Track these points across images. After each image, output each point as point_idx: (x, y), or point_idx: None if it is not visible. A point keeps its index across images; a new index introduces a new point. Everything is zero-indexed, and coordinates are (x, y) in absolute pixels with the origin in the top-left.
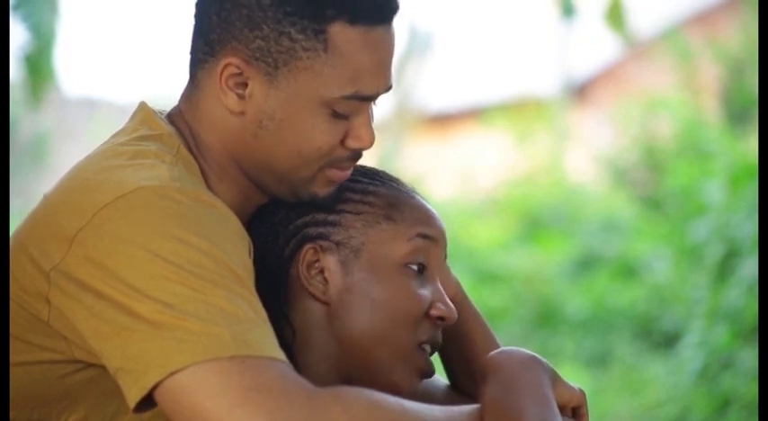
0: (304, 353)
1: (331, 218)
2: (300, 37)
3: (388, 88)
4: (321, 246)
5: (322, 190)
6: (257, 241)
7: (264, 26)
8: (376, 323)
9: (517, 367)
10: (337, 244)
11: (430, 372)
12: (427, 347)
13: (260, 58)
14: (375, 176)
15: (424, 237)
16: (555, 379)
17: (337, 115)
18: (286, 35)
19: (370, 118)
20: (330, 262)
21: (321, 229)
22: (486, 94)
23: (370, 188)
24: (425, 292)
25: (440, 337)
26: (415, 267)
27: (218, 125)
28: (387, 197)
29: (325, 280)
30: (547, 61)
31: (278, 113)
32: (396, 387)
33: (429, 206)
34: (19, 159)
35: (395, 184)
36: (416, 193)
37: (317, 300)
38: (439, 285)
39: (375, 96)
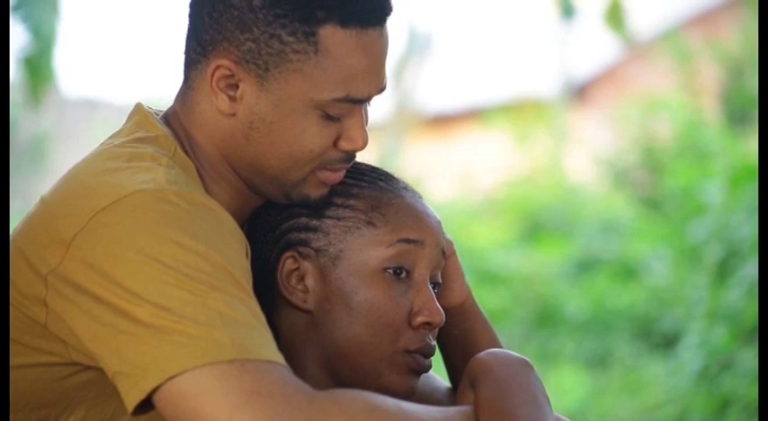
0: (294, 360)
1: (313, 223)
2: (291, 39)
3: (382, 90)
4: (301, 254)
5: (314, 192)
6: (252, 248)
7: (255, 28)
8: (355, 332)
9: (507, 369)
10: (317, 251)
11: (423, 369)
12: (417, 356)
13: (251, 61)
14: (362, 176)
15: (407, 241)
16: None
17: (329, 117)
18: (276, 37)
19: (363, 119)
20: (309, 269)
21: (303, 235)
22: (486, 95)
23: (354, 190)
24: (406, 300)
25: (431, 345)
26: (395, 272)
27: (210, 126)
28: (369, 200)
29: (306, 288)
30: (546, 62)
31: (269, 116)
32: (387, 390)
33: (418, 204)
34: (19, 160)
35: (382, 183)
36: (407, 191)
37: (299, 308)
38: (426, 289)
39: (367, 99)
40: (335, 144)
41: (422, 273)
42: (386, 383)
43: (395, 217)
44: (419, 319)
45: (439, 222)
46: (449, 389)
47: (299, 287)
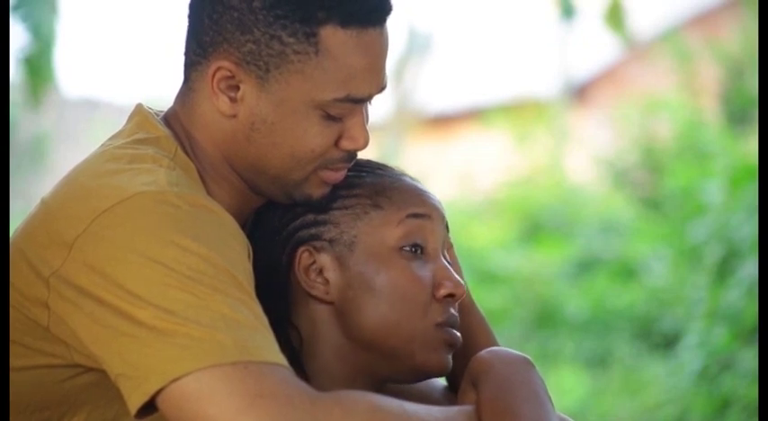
0: (316, 356)
1: (320, 217)
2: (291, 40)
3: (382, 89)
4: (315, 247)
5: (316, 191)
6: (256, 249)
7: (255, 29)
8: (383, 313)
9: (508, 367)
10: (330, 242)
11: (456, 343)
12: (447, 328)
13: (251, 62)
14: (360, 168)
15: (415, 215)
16: None
17: (330, 117)
18: (277, 38)
19: (364, 119)
20: (326, 261)
21: (312, 230)
22: (486, 95)
23: (356, 180)
24: (427, 274)
25: (456, 315)
26: (411, 249)
27: (211, 127)
28: (372, 186)
29: (326, 280)
30: (547, 62)
31: (270, 117)
32: (424, 368)
33: (418, 185)
34: (19, 160)
35: (381, 171)
36: (405, 176)
37: (321, 301)
38: (442, 261)
39: (368, 98)
40: (337, 143)
41: (434, 247)
42: (421, 362)
43: (399, 197)
44: (442, 292)
45: (440, 202)
46: (446, 388)
47: (319, 280)
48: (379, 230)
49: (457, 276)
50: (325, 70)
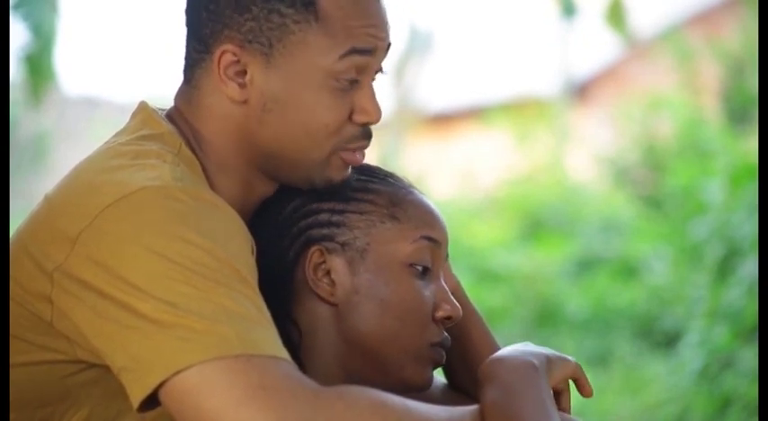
0: (311, 354)
1: (335, 218)
2: (290, 11)
3: (388, 46)
4: (327, 248)
5: (337, 174)
6: (260, 242)
7: (253, 7)
8: (385, 323)
9: (513, 374)
10: (342, 245)
11: (442, 361)
12: (439, 348)
13: (254, 40)
14: (372, 173)
15: (429, 239)
16: (550, 361)
17: (340, 87)
18: (276, 12)
19: (372, 91)
20: (336, 263)
21: (325, 231)
22: (487, 94)
23: (370, 186)
24: (429, 294)
25: (448, 337)
26: (419, 268)
27: (220, 119)
28: (388, 195)
29: (333, 281)
30: (547, 61)
31: (281, 94)
32: (408, 382)
33: (430, 203)
34: (19, 159)
35: (391, 180)
36: (414, 189)
37: (325, 301)
38: (442, 284)
39: (372, 50)
40: (350, 118)
41: (437, 270)
42: (408, 375)
43: (414, 213)
44: (440, 313)
45: (444, 221)
46: (446, 386)
47: (325, 280)
48: (393, 243)
49: (454, 300)
50: (327, 34)
